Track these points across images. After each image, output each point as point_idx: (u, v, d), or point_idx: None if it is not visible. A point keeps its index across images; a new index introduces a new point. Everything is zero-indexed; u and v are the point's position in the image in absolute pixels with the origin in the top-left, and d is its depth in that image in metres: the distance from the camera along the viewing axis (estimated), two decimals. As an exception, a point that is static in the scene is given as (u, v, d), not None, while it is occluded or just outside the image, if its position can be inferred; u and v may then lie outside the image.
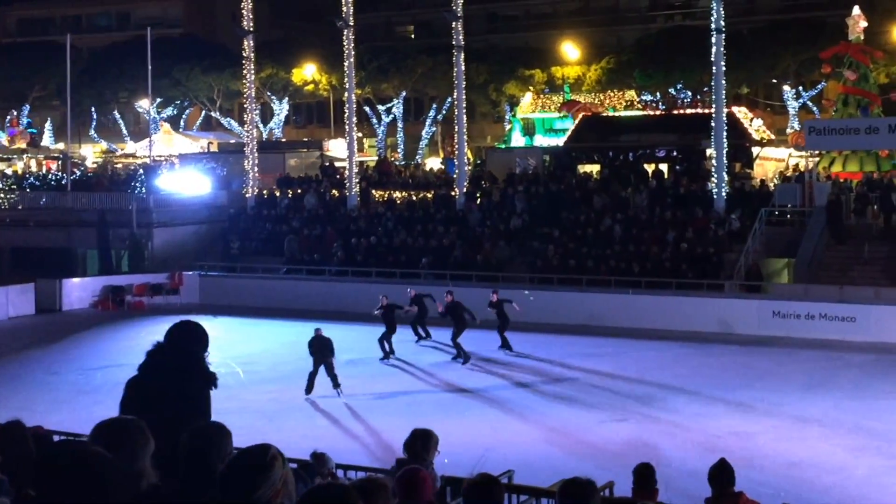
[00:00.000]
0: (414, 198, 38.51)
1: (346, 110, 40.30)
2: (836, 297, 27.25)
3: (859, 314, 26.30)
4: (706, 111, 37.59)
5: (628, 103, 46.88)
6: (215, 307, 32.63)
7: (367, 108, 58.60)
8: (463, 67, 38.16)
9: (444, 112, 57.85)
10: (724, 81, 33.59)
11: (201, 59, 57.93)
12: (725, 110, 34.12)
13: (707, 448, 15.66)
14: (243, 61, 41.62)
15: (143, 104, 55.55)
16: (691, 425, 18.23)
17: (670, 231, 31.50)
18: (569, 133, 44.24)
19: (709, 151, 35.25)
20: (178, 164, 47.79)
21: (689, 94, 48.50)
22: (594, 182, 36.98)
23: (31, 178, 47.10)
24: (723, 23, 33.05)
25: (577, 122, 44.54)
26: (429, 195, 38.33)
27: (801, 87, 51.40)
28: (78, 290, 34.41)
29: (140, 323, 31.34)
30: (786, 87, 51.13)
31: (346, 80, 40.22)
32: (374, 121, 60.01)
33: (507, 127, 52.78)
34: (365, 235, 35.43)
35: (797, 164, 39.69)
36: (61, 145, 58.60)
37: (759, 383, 21.63)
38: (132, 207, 37.93)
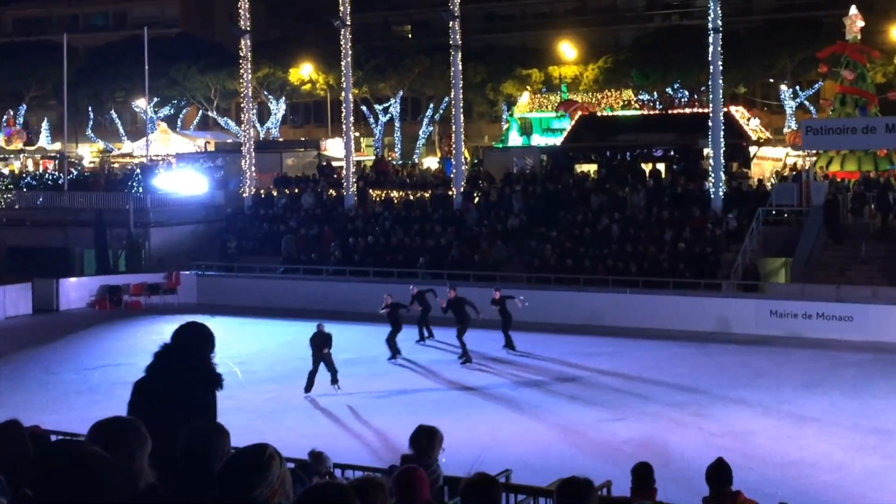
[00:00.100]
0: (411, 197, 38.50)
1: (344, 110, 40.28)
2: (833, 296, 27.27)
3: (856, 313, 26.33)
4: (703, 111, 37.61)
5: (625, 103, 46.89)
6: (212, 307, 32.60)
7: (364, 108, 58.61)
8: (460, 67, 38.16)
9: (441, 112, 57.87)
10: (721, 81, 33.61)
11: (198, 59, 57.90)
12: (723, 110, 34.12)
13: (705, 447, 15.66)
14: (240, 61, 41.59)
15: (140, 104, 55.50)
16: (689, 424, 18.24)
17: (668, 230, 31.52)
18: (566, 133, 44.25)
19: (706, 151, 35.28)
20: (175, 163, 47.75)
21: (687, 93, 48.53)
22: (591, 182, 36.99)
23: (28, 178, 47.05)
24: (720, 22, 33.07)
25: (574, 121, 44.54)
26: (426, 195, 38.33)
27: (797, 87, 51.46)
28: (75, 290, 34.37)
29: (137, 323, 31.33)
30: (783, 87, 51.19)
31: (343, 79, 40.20)
32: (372, 120, 60.02)
33: (505, 126, 52.80)
34: (362, 235, 35.42)
35: (795, 164, 39.73)
36: (58, 145, 58.51)
37: (757, 382, 21.64)
38: (129, 207, 37.90)
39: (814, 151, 36.08)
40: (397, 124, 60.21)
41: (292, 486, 3.86)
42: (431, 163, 53.76)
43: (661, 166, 38.22)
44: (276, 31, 66.46)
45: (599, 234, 32.40)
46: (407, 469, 5.71)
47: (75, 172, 48.25)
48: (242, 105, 42.98)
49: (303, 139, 58.71)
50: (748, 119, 41.04)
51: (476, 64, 51.66)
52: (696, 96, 46.16)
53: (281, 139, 59.84)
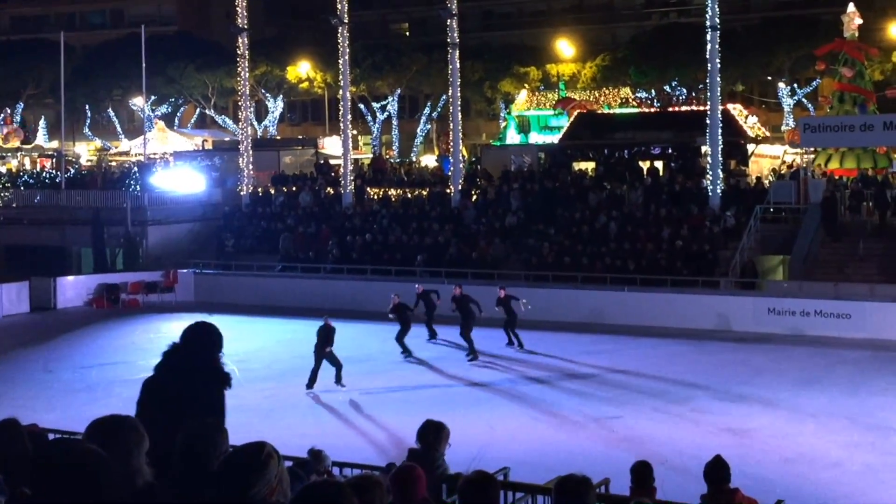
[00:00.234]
0: (409, 195, 38.50)
1: (341, 108, 40.26)
2: (831, 293, 27.30)
3: (854, 311, 26.35)
4: (701, 108, 37.61)
5: (623, 100, 46.89)
6: (210, 305, 32.57)
7: (361, 106, 58.59)
8: (458, 65, 38.14)
9: (439, 109, 57.87)
10: (718, 78, 33.62)
11: (195, 57, 57.85)
12: (720, 107, 34.12)
13: (702, 444, 15.67)
14: (238, 59, 41.56)
15: (138, 102, 55.47)
16: (687, 422, 18.25)
17: (665, 228, 31.52)
18: (564, 130, 44.24)
19: (704, 149, 35.28)
20: (173, 161, 47.71)
21: (684, 91, 48.54)
22: (589, 179, 37.00)
23: (26, 176, 47.02)
24: (718, 20, 33.07)
25: (572, 119, 44.54)
26: (424, 193, 38.32)
27: (795, 85, 51.49)
28: (72, 289, 34.34)
29: (135, 321, 31.31)
30: (781, 84, 51.22)
31: (340, 77, 40.17)
32: (369, 118, 60.00)
33: (503, 124, 52.82)
34: (360, 233, 35.41)
35: (793, 161, 39.73)
36: (55, 143, 58.45)
37: (755, 380, 21.65)
38: (127, 205, 37.87)
39: (812, 149, 36.09)
40: (395, 122, 60.19)
41: (290, 485, 3.86)
42: (429, 161, 53.75)
43: (658, 164, 38.23)
44: (273, 29, 66.40)
45: (597, 231, 32.40)
46: (404, 467, 5.72)
47: (72, 171, 48.22)
48: (240, 103, 42.95)
49: (300, 137, 58.68)
50: (746, 117, 41.05)
51: (474, 62, 51.66)
52: (693, 94, 46.17)
53: (278, 137, 59.80)
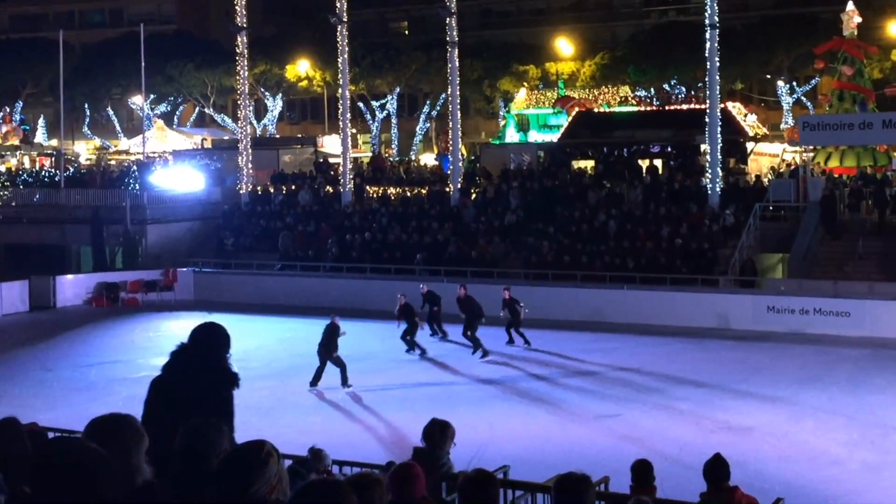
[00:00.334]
0: (408, 194, 38.49)
1: (340, 106, 40.25)
2: (830, 292, 27.30)
3: (854, 309, 26.36)
4: (700, 107, 37.59)
5: (622, 99, 46.87)
6: (210, 304, 32.59)
7: (361, 105, 58.59)
8: (457, 63, 38.13)
9: (438, 108, 57.87)
10: (718, 77, 33.61)
11: (194, 56, 57.84)
12: (719, 106, 34.13)
13: (702, 442, 15.68)
14: (237, 57, 41.55)
15: (137, 101, 55.47)
16: (686, 420, 18.26)
17: (664, 226, 31.53)
18: (563, 129, 44.23)
19: (703, 147, 35.28)
20: (172, 160, 47.69)
21: (684, 89, 48.56)
22: (588, 178, 37.00)
23: (25, 175, 46.99)
24: (717, 18, 33.08)
25: (571, 117, 44.52)
26: (423, 191, 38.32)
27: (794, 83, 51.51)
28: (72, 287, 34.34)
29: (134, 320, 31.32)
30: (780, 83, 51.24)
31: (339, 76, 40.16)
32: (368, 117, 59.99)
33: (502, 123, 52.80)
34: (359, 232, 35.40)
35: (793, 160, 39.73)
36: (54, 142, 58.47)
37: (754, 378, 21.66)
38: (126, 204, 37.85)
39: (811, 147, 36.10)
40: (394, 121, 60.19)
41: (289, 483, 3.87)
42: (428, 159, 53.74)
43: (658, 162, 38.21)
44: (272, 28, 66.39)
45: (596, 230, 32.41)
46: (403, 465, 5.72)
47: (72, 169, 48.18)
48: (239, 102, 42.93)
49: (299, 136, 58.67)
50: (745, 115, 41.05)
51: (473, 60, 51.67)
52: (692, 92, 46.16)
53: (278, 136, 59.80)
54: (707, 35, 33.22)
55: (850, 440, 16.85)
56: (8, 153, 58.01)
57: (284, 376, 22.09)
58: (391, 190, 39.38)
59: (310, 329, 27.03)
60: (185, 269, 35.14)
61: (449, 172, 38.62)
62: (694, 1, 55.66)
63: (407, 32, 69.47)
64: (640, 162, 38.06)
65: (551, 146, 42.91)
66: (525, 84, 53.55)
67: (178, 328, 30.14)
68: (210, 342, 6.06)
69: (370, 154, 53.83)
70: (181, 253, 36.62)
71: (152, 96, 57.15)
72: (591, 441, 16.92)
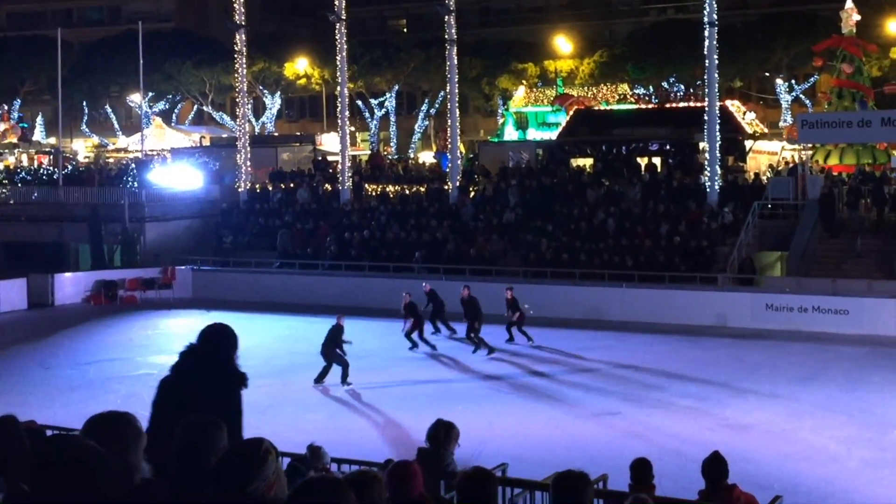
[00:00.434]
0: (407, 192, 38.49)
1: (339, 104, 40.22)
2: (828, 289, 27.31)
3: (852, 307, 26.37)
4: (699, 105, 37.61)
5: (621, 97, 46.90)
6: (208, 302, 32.58)
7: (359, 102, 58.57)
8: (455, 61, 38.11)
9: (436, 106, 57.85)
10: (716, 75, 33.61)
11: (193, 54, 57.81)
12: (718, 104, 34.13)
13: (700, 440, 15.68)
14: (235, 55, 41.53)
15: (135, 98, 55.44)
16: (684, 418, 18.26)
17: (663, 224, 31.53)
18: (562, 127, 44.23)
19: (702, 145, 35.28)
20: (170, 158, 47.67)
21: (682, 87, 48.58)
22: (587, 176, 37.00)
23: (23, 173, 46.95)
24: (715, 16, 33.07)
25: (569, 115, 44.52)
26: (422, 189, 38.32)
27: (793, 81, 51.53)
28: (70, 285, 34.33)
29: (133, 318, 31.31)
30: (778, 81, 51.25)
31: (338, 73, 40.14)
32: (367, 115, 59.97)
33: (500, 121, 52.78)
34: (358, 229, 35.40)
35: (791, 157, 39.74)
36: (53, 140, 58.45)
37: (753, 376, 21.67)
38: (124, 202, 37.84)
39: (810, 145, 36.12)
40: (393, 119, 60.18)
41: (286, 481, 3.86)
42: (427, 157, 53.75)
43: (656, 160, 38.22)
44: (270, 26, 66.38)
45: (595, 228, 32.41)
46: (400, 463, 5.72)
47: (70, 167, 48.16)
48: (237, 100, 42.91)
49: (298, 134, 58.63)
50: (744, 113, 41.07)
51: (471, 58, 51.67)
52: (691, 90, 46.19)
53: (276, 134, 59.78)
54: (706, 33, 33.21)
55: (848, 438, 16.86)
56: (6, 151, 57.97)
57: (283, 374, 22.09)
58: (390, 188, 39.37)
59: (308, 327, 27.07)
60: (183, 267, 35.13)
61: (448, 170, 38.62)
62: (692, -1, 55.70)
63: (405, 30, 69.47)
64: (638, 160, 38.06)
65: (550, 144, 42.90)
66: (524, 82, 53.55)
67: (176, 326, 30.16)
68: (218, 342, 6.12)
69: (369, 152, 53.82)
70: (180, 251, 36.60)
71: (151, 94, 57.13)
72: (589, 439, 16.93)
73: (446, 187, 37.46)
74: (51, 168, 48.69)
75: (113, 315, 31.82)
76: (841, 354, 23.83)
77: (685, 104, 42.73)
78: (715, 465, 8.27)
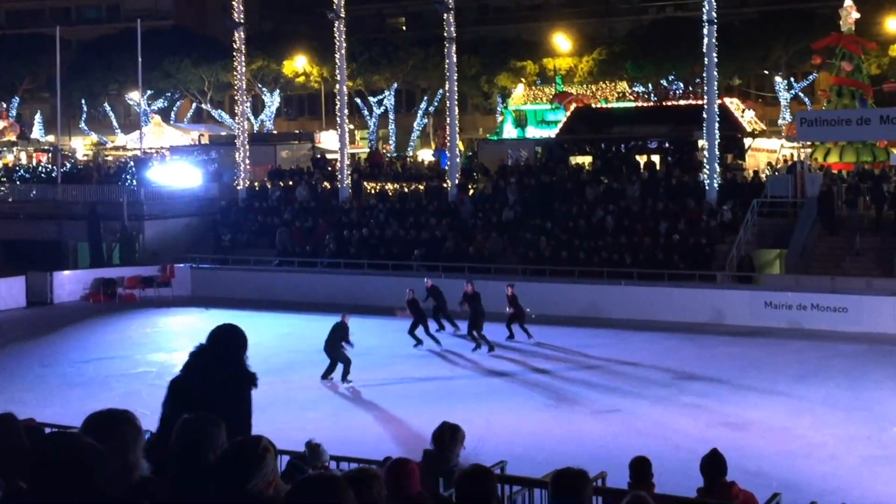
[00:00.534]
0: (406, 190, 38.48)
1: (338, 102, 40.22)
2: (827, 287, 27.32)
3: (851, 305, 26.38)
4: (698, 102, 37.60)
5: (620, 95, 46.89)
6: (207, 299, 32.59)
7: (358, 100, 58.54)
8: (454, 59, 38.10)
9: (435, 104, 57.82)
10: (715, 72, 33.61)
11: (192, 51, 57.77)
12: (717, 101, 34.13)
13: (699, 438, 15.69)
14: (234, 53, 41.51)
15: (134, 96, 55.40)
16: (683, 416, 18.27)
17: (662, 222, 31.53)
18: (561, 125, 44.21)
19: (701, 143, 35.28)
20: (169, 156, 47.64)
21: (681, 85, 48.54)
22: (586, 174, 37.00)
23: (21, 171, 46.92)
24: (714, 14, 33.05)
25: (568, 113, 44.51)
26: (421, 187, 38.31)
27: (792, 79, 51.52)
28: (69, 283, 34.32)
29: (131, 316, 31.30)
30: (777, 78, 51.24)
31: (337, 71, 40.13)
32: (366, 113, 59.94)
33: (499, 119, 52.77)
34: (357, 227, 35.40)
35: (791, 155, 39.74)
36: (51, 138, 58.40)
37: (751, 374, 21.69)
38: (123, 200, 37.82)
39: (808, 143, 36.12)
40: (392, 116, 60.15)
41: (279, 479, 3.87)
42: (426, 155, 53.73)
43: (655, 158, 38.22)
44: (269, 24, 66.32)
45: (594, 226, 32.41)
46: (398, 461, 5.72)
47: (69, 165, 48.13)
48: (236, 97, 42.88)
49: (297, 132, 58.62)
50: (743, 111, 41.07)
51: (470, 56, 51.63)
52: (690, 88, 46.17)
53: (275, 132, 59.75)
54: (705, 31, 33.19)
55: (847, 435, 16.87)
56: (4, 149, 57.92)
57: (282, 372, 22.08)
58: (389, 186, 39.36)
59: (307, 325, 27.09)
60: (182, 265, 35.11)
61: (447, 168, 38.61)
62: (691, -4, 55.65)
63: (404, 28, 69.41)
64: (637, 158, 38.08)
65: (549, 142, 42.90)
66: (523, 80, 53.53)
67: (175, 324, 30.16)
68: (227, 343, 6.18)
69: (368, 150, 53.79)
70: (178, 249, 36.58)
71: (149, 92, 57.09)
72: (588, 436, 16.94)
73: (445, 185, 37.46)
74: (49, 166, 48.64)
75: (112, 313, 31.81)
76: (840, 352, 23.84)
77: (684, 102, 42.72)
78: (714, 463, 8.27)
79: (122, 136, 60.06)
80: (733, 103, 41.35)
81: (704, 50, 33.27)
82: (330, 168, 42.18)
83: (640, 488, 8.57)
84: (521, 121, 47.91)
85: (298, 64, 57.63)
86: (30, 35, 60.90)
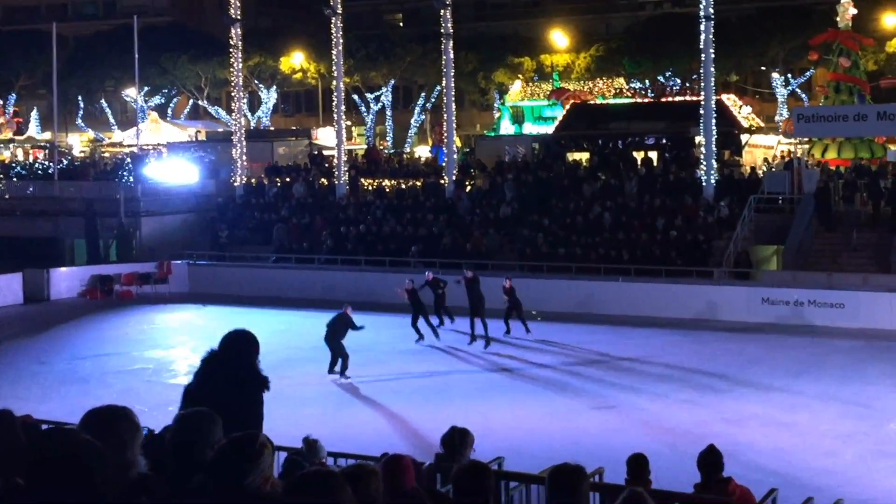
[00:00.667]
0: (403, 186, 38.46)
1: (335, 98, 40.18)
2: (824, 283, 27.36)
3: (848, 300, 26.41)
4: (695, 99, 37.60)
5: (617, 91, 46.87)
6: (204, 296, 32.58)
7: (355, 97, 58.46)
8: (451, 55, 38.07)
9: (432, 100, 57.76)
10: (712, 69, 33.59)
11: (188, 48, 57.66)
12: (714, 98, 34.12)
13: (696, 434, 15.70)
14: (231, 49, 41.45)
15: (131, 93, 55.30)
16: (680, 411, 18.29)
17: (659, 218, 31.55)
18: (558, 121, 44.23)
19: (698, 139, 35.27)
20: (166, 152, 47.62)
21: (678, 81, 48.52)
22: (583, 170, 36.99)
23: (18, 168, 46.88)
24: (711, 10, 33.03)
25: (566, 109, 44.52)
26: (418, 183, 38.29)
27: (789, 75, 51.51)
28: (66, 280, 34.28)
29: (128, 312, 31.28)
30: (774, 75, 51.22)
31: (334, 68, 40.09)
32: (363, 109, 59.87)
33: (496, 115, 52.74)
34: (354, 224, 35.38)
35: (788, 152, 39.74)
36: (48, 134, 58.30)
37: (748, 369, 21.71)
38: (120, 196, 37.78)
39: (805, 139, 36.13)
40: (389, 113, 60.07)
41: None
42: (423, 151, 53.70)
43: (653, 154, 38.22)
44: (266, 20, 66.19)
45: (591, 222, 32.42)
46: (392, 457, 5.74)
47: (65, 162, 48.11)
48: (233, 94, 42.83)
49: (294, 128, 58.58)
50: (740, 107, 41.08)
51: (467, 52, 51.55)
52: (687, 84, 46.15)
53: (272, 128, 59.69)
54: (702, 27, 33.17)
55: (844, 431, 16.90)
56: (1, 146, 57.86)
57: (279, 368, 22.00)
58: (386, 182, 39.34)
59: (304, 321, 27.09)
60: (179, 262, 35.08)
61: (444, 165, 38.59)
62: (689, -7, 55.59)
63: (401, 24, 69.29)
64: (634, 154, 38.08)
65: (546, 138, 42.89)
66: (520, 76, 53.47)
67: (172, 321, 30.14)
68: (240, 348, 6.22)
69: (365, 146, 53.78)
70: (175, 245, 36.54)
71: (146, 88, 56.99)
72: (585, 432, 16.95)
73: (442, 182, 37.45)
74: (46, 162, 48.62)
75: (109, 310, 31.79)
76: (837, 348, 23.87)
77: (681, 98, 42.74)
78: (710, 458, 8.28)
79: (119, 133, 59.97)
80: (730, 99, 41.36)
81: (701, 46, 33.25)
82: (327, 164, 42.16)
83: (637, 484, 8.58)
84: (518, 117, 47.91)
85: (295, 60, 57.56)
86: (26, 31, 60.80)
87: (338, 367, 21.13)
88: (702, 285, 28.67)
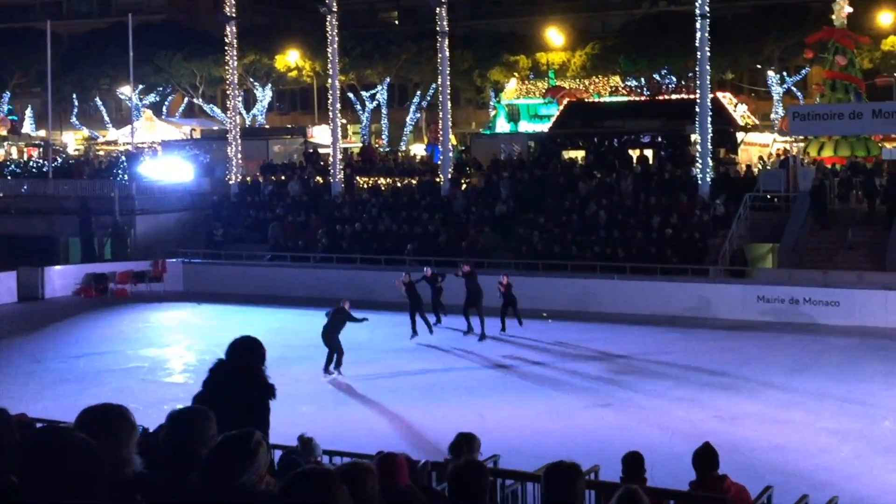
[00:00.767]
0: (398, 184, 38.44)
1: (330, 97, 40.13)
2: (820, 281, 27.39)
3: (843, 298, 26.45)
4: (691, 97, 37.62)
5: (613, 89, 46.88)
6: (199, 294, 32.55)
7: (350, 95, 58.42)
8: (447, 53, 38.04)
9: (428, 98, 57.74)
10: (708, 67, 33.61)
11: (183, 46, 57.55)
12: (710, 96, 34.13)
13: (691, 432, 15.72)
14: (226, 48, 41.38)
15: (125, 91, 55.21)
16: (676, 409, 18.30)
17: (655, 216, 31.56)
18: (553, 119, 44.23)
19: (693, 137, 35.31)
20: (161, 151, 47.53)
21: (674, 79, 48.56)
22: (579, 168, 37.00)
23: (12, 166, 46.78)
24: (707, 8, 33.05)
25: (561, 108, 44.52)
26: (413, 182, 38.27)
27: (785, 73, 51.56)
28: (60, 278, 34.22)
29: (123, 311, 31.24)
30: (770, 73, 51.26)
31: (329, 66, 40.04)
32: (359, 107, 59.83)
33: (492, 113, 52.74)
34: (349, 222, 35.36)
35: (783, 150, 39.77)
36: (42, 132, 58.21)
37: (744, 367, 21.73)
38: (114, 195, 37.72)
39: (801, 137, 36.17)
40: (384, 111, 60.04)
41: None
42: (418, 149, 53.68)
43: (648, 152, 38.25)
44: (261, 18, 66.10)
45: (587, 220, 32.42)
46: (386, 455, 5.74)
47: (60, 160, 48.00)
48: (228, 92, 42.78)
49: (289, 126, 58.49)
50: (735, 105, 41.10)
51: (463, 50, 51.55)
52: (683, 82, 46.18)
53: (267, 126, 59.61)
54: (697, 25, 33.19)
55: (839, 428, 16.92)
56: (-4, 143, 57.76)
57: (274, 367, 21.93)
58: (381, 180, 39.30)
59: (299, 320, 27.07)
60: (174, 260, 35.03)
61: (439, 163, 38.57)
62: (684, -9, 55.59)
63: (397, 22, 69.24)
64: (630, 152, 38.09)
65: (542, 136, 42.90)
66: (515, 74, 53.48)
67: (167, 319, 30.10)
68: (246, 356, 6.24)
69: (360, 144, 53.72)
70: (170, 244, 36.50)
71: (141, 86, 56.89)
72: (581, 430, 16.95)
73: (438, 180, 37.42)
74: (40, 161, 48.52)
75: (103, 308, 31.74)
76: (832, 346, 23.91)
77: (677, 96, 42.75)
78: (706, 456, 8.28)
79: (114, 131, 59.85)
80: (726, 97, 41.38)
81: (697, 44, 33.27)
82: (322, 163, 42.11)
83: (633, 482, 8.58)
84: (513, 115, 47.90)
85: (291, 58, 57.50)
86: (20, 29, 60.66)
87: (332, 365, 21.13)
88: (697, 283, 28.69)
